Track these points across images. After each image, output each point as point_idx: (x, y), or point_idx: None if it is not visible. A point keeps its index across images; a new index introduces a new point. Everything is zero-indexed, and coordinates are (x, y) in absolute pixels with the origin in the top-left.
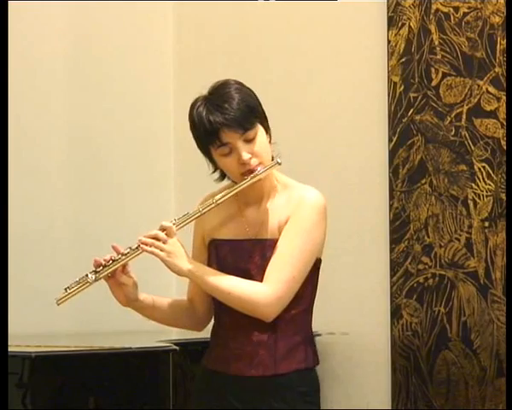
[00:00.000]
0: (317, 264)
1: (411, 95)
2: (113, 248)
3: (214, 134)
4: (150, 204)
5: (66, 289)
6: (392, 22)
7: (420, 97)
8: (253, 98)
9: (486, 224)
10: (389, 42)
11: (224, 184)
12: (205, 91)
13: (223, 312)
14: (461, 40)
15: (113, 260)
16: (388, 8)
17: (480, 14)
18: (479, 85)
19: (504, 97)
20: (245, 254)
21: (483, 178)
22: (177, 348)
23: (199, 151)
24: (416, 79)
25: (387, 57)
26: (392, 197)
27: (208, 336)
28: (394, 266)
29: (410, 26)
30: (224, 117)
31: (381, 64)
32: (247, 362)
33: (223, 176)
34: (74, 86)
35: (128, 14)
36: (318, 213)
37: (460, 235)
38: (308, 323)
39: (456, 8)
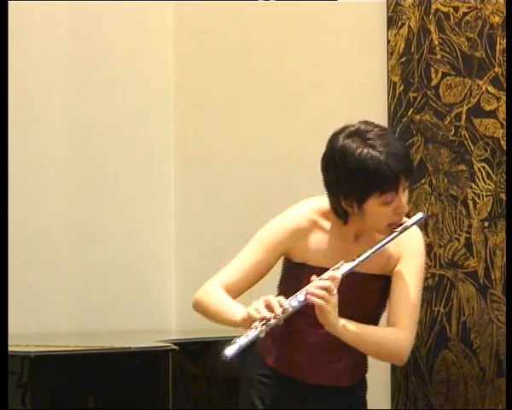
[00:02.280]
0: None
1: (411, 95)
2: (278, 301)
3: (393, 182)
4: (150, 204)
5: (234, 341)
6: (391, 22)
7: (419, 97)
8: None
9: (486, 224)
10: (389, 42)
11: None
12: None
13: (301, 318)
14: (461, 40)
15: (282, 311)
16: (388, 8)
17: (479, 13)
18: (478, 85)
19: (504, 97)
20: (347, 286)
21: (483, 178)
22: (176, 347)
23: (198, 151)
24: (416, 79)
25: (387, 57)
26: None
27: (207, 336)
28: None
29: (409, 26)
30: (404, 166)
31: (381, 64)
32: (324, 372)
33: (346, 218)
34: (74, 86)
35: (128, 14)
36: (424, 254)
37: (460, 235)
38: None
39: (456, 8)
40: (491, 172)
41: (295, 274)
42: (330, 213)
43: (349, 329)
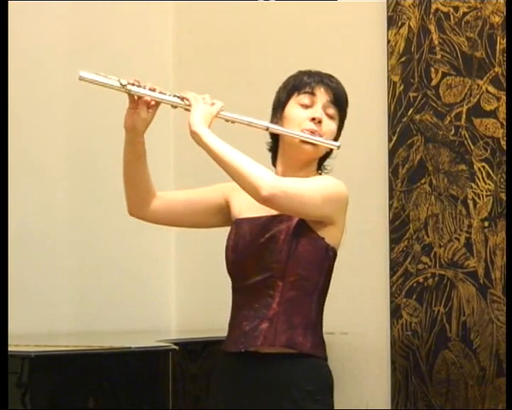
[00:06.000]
0: (330, 253)
1: (411, 94)
2: (155, 86)
3: (310, 83)
4: None
5: (96, 73)
6: (391, 22)
7: (419, 97)
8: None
9: (486, 224)
10: (389, 41)
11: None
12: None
13: (237, 293)
14: (461, 40)
15: (151, 90)
16: (388, 8)
17: (479, 13)
18: (478, 85)
19: (504, 97)
20: (262, 230)
21: (483, 178)
22: (176, 347)
23: (198, 151)
24: (416, 79)
25: (387, 57)
26: (391, 197)
27: (207, 336)
28: (394, 266)
29: (409, 26)
30: (326, 78)
31: (381, 64)
32: (252, 336)
33: (275, 149)
34: (74, 85)
35: (128, 14)
36: (337, 185)
37: (460, 235)
38: (310, 309)
39: (456, 8)
40: (491, 171)
41: (233, 229)
42: None
43: (210, 137)
